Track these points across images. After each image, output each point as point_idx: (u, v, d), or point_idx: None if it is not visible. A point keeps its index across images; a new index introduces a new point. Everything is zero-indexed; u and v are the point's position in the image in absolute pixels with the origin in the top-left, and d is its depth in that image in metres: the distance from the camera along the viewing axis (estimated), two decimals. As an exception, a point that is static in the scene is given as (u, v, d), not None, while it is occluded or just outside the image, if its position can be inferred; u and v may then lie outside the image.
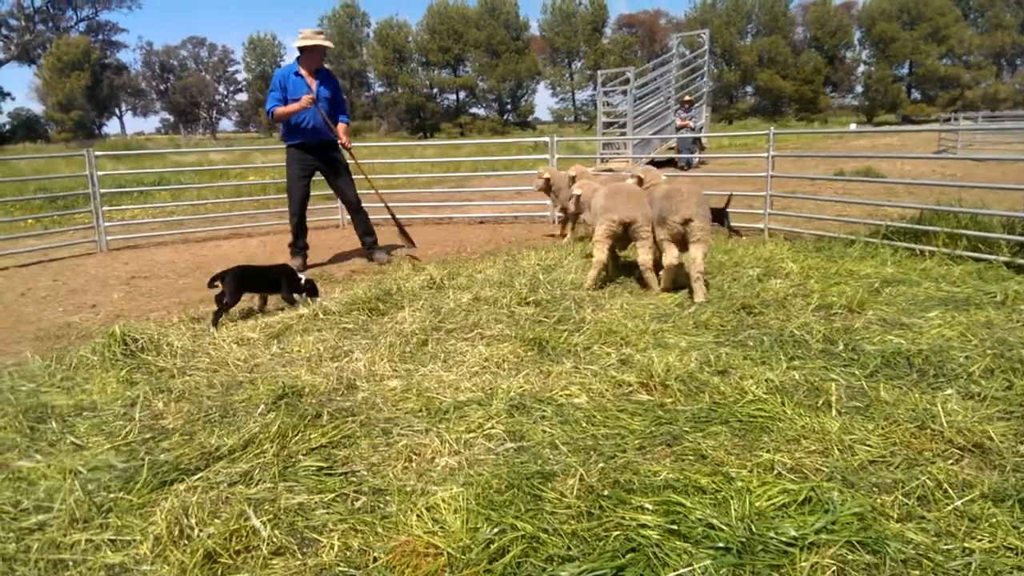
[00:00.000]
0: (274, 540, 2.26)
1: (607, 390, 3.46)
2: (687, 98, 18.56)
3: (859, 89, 61.70)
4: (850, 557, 2.06)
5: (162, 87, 73.08)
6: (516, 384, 3.55)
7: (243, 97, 72.83)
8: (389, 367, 3.92)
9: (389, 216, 7.60)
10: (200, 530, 2.30)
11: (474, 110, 67.48)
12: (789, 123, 53.95)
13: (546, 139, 9.94)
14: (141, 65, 72.46)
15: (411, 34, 65.10)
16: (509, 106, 67.06)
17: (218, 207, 11.19)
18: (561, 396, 3.41)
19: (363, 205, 7.40)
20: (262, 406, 3.32)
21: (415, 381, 3.69)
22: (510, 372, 3.77)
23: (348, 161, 7.38)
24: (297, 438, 2.98)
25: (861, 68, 61.66)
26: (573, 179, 7.35)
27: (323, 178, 7.34)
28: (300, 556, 2.21)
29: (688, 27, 56.21)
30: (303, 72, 6.85)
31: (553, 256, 6.78)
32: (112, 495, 2.56)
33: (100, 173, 8.61)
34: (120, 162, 21.75)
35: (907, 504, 2.35)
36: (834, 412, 3.11)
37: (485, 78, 64.70)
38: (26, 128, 60.52)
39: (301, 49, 6.81)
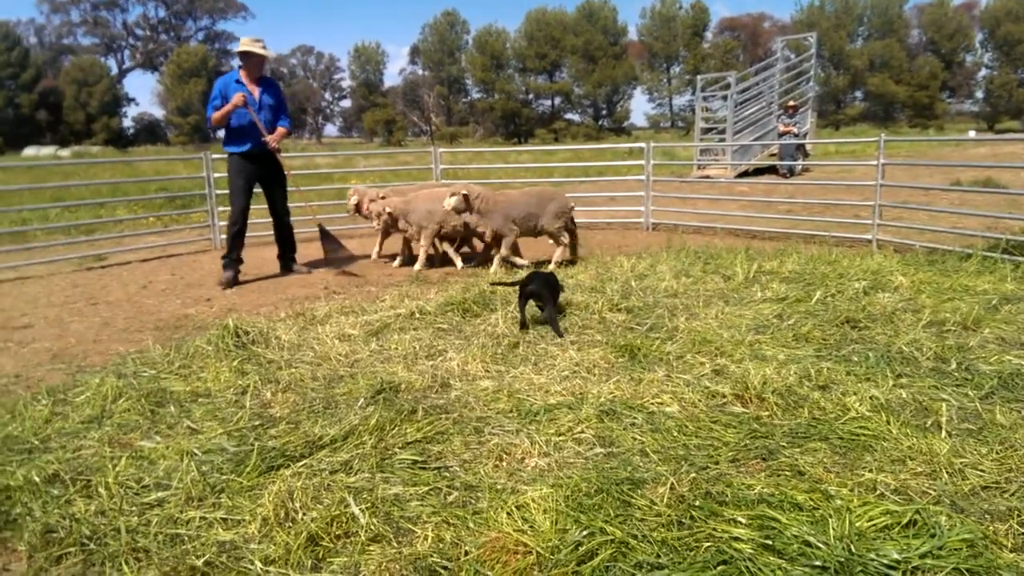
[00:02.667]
0: (372, 528, 2.36)
1: (700, 400, 3.41)
2: (791, 103, 17.93)
3: (979, 95, 57.77)
4: (960, 586, 1.95)
5: (272, 94, 76.95)
6: (606, 390, 3.54)
7: (347, 104, 75.78)
8: (481, 367, 3.99)
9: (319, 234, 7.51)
10: (304, 514, 2.43)
11: (569, 116, 67.51)
12: (902, 130, 51.12)
13: (642, 145, 9.86)
14: (254, 73, 76.56)
15: (509, 40, 65.86)
16: (604, 111, 66.70)
17: (321, 209, 11.67)
18: (652, 404, 3.38)
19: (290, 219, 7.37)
20: (362, 400, 3.47)
21: (506, 382, 3.75)
22: (600, 378, 3.77)
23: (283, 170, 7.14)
24: (394, 432, 3.09)
25: (982, 72, 57.75)
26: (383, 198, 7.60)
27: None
28: (396, 544, 2.30)
29: (794, 30, 54.21)
30: (244, 80, 6.75)
31: (646, 264, 6.71)
32: (224, 477, 2.74)
33: (216, 175, 9.17)
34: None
35: (1023, 533, 2.20)
36: (944, 433, 2.94)
37: (581, 84, 64.64)
38: (148, 131, 65.18)
39: (241, 56, 6.79)
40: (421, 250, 7.34)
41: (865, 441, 2.86)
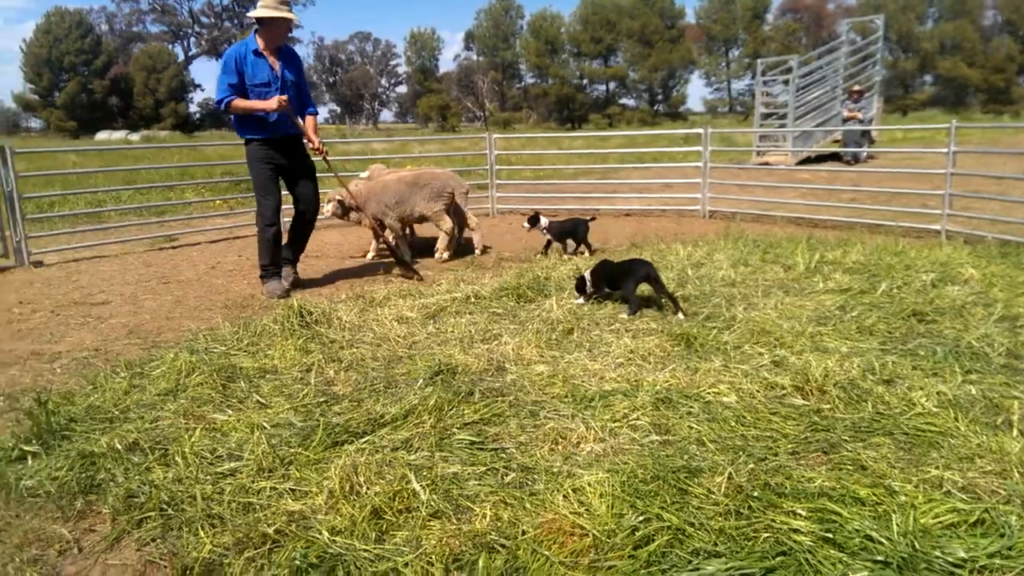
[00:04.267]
0: (432, 504, 2.43)
1: (758, 391, 3.37)
2: (856, 88, 17.33)
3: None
4: (1030, 587, 1.91)
5: (331, 79, 78.25)
6: (662, 378, 3.54)
7: (403, 89, 76.61)
8: (536, 352, 4.03)
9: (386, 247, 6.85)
10: (368, 488, 2.52)
11: (624, 100, 66.71)
12: (974, 116, 48.84)
13: (699, 131, 9.70)
14: (313, 59, 78.13)
15: (564, 25, 65.31)
16: (660, 96, 65.68)
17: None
18: (709, 393, 3.36)
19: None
20: (421, 380, 3.55)
21: (561, 367, 3.78)
22: (656, 366, 3.76)
23: (316, 161, 6.22)
24: (452, 412, 3.16)
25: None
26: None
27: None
28: (455, 521, 2.36)
29: (859, 12, 52.19)
30: (263, 50, 5.58)
31: (702, 252, 6.63)
32: (292, 450, 2.85)
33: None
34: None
35: (1101, 539, 2.13)
36: (1016, 432, 2.85)
37: (636, 68, 63.73)
38: (213, 117, 67.09)
39: (261, 21, 5.51)
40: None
41: (931, 437, 2.80)
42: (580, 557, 2.15)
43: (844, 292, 5.10)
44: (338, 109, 79.25)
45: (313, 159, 6.17)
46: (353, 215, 7.09)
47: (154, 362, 4.08)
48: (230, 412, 3.30)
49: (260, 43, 5.57)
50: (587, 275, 5.07)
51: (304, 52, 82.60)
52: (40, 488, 2.70)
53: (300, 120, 5.79)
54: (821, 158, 16.61)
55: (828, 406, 3.18)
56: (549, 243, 7.21)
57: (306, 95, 5.99)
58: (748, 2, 62.05)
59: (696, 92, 77.10)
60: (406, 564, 2.14)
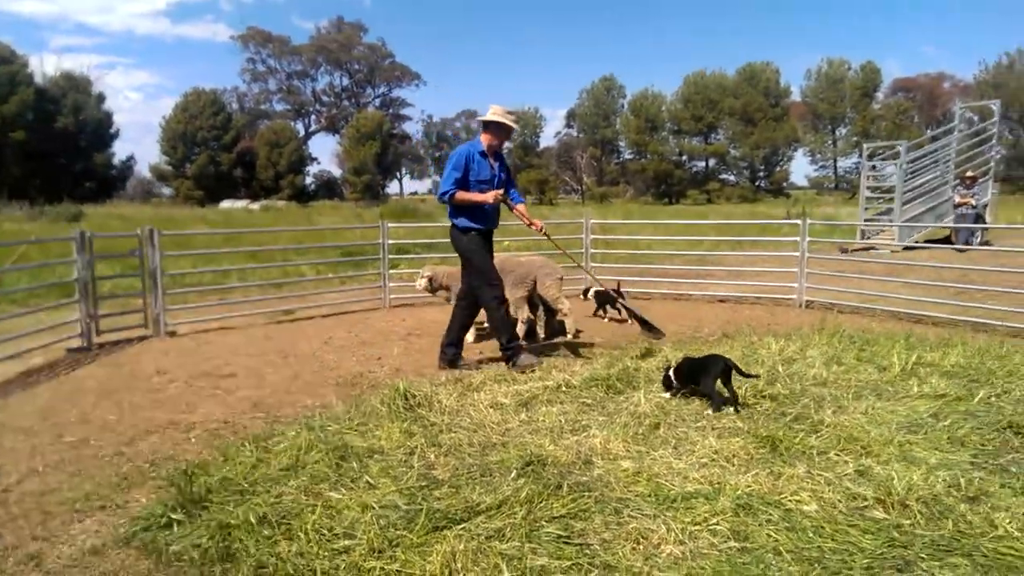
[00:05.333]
0: (521, 594, 2.70)
1: (839, 501, 3.47)
2: (969, 174, 16.82)
3: None
4: None
5: (436, 154, 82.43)
6: (744, 482, 3.68)
7: (505, 161, 79.81)
8: (623, 447, 4.25)
9: (627, 311, 7.45)
10: (464, 572, 2.81)
11: (724, 175, 66.38)
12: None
13: (797, 221, 9.76)
14: (422, 135, 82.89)
15: (664, 104, 66.36)
16: (762, 172, 65.01)
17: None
18: (790, 501, 3.48)
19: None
20: (514, 472, 3.84)
21: (646, 464, 3.98)
22: (739, 468, 3.90)
23: (540, 236, 6.79)
24: (541, 505, 3.43)
25: None
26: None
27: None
28: (541, 612, 2.61)
29: (977, 91, 50.56)
30: (487, 151, 6.35)
31: (795, 347, 6.67)
32: (398, 532, 3.19)
33: (390, 241, 10.16)
34: (399, 221, 25.05)
35: None
36: (1107, 565, 2.83)
37: (738, 145, 63.59)
38: (326, 188, 71.82)
39: (487, 125, 6.32)
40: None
41: (1010, 562, 2.83)
42: (654, 656, 2.35)
43: (940, 398, 5.05)
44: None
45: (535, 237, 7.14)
46: (441, 293, 8.01)
47: (276, 437, 4.58)
48: (343, 491, 3.70)
49: (484, 144, 6.35)
50: (671, 371, 5.28)
51: (413, 128, 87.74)
52: (185, 554, 3.15)
53: (514, 207, 6.54)
54: (936, 242, 16.09)
55: (908, 521, 3.24)
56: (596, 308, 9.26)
57: (513, 186, 6.73)
58: (857, 82, 61.22)
59: (800, 169, 75.99)
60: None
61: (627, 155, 69.56)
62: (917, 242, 15.19)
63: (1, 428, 5.06)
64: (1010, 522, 3.13)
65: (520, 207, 6.55)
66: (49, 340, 7.37)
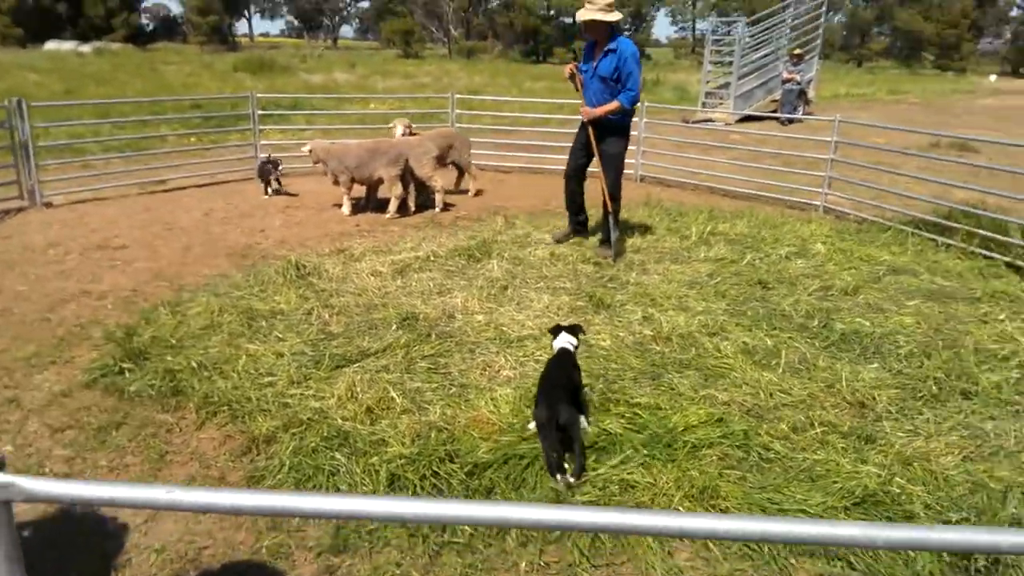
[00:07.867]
0: (403, 405, 3.93)
1: (627, 337, 4.92)
2: (796, 51, 18.67)
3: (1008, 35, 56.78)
4: (728, 452, 3.51)
5: (291, -8, 76.23)
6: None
7: (364, 4, 75.08)
8: (478, 304, 5.48)
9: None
10: (362, 394, 4.00)
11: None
12: (925, 69, 50.72)
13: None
14: (273, -29, 75.79)
15: (533, -47, 64.17)
16: (628, 29, 65.70)
17: (347, 134, 12.81)
18: (594, 339, 4.89)
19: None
20: (394, 325, 5.00)
21: (494, 317, 5.25)
22: (562, 318, 5.25)
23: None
24: (416, 348, 4.64)
25: (1014, 12, 56.53)
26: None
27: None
28: (417, 415, 3.87)
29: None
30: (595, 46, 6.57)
31: (636, 217, 8.06)
32: (309, 370, 4.30)
33: (260, 111, 10.44)
34: (257, 79, 24.03)
35: (784, 430, 3.74)
36: (780, 371, 4.45)
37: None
38: (165, 28, 64.96)
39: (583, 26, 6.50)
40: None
41: (722, 372, 4.39)
42: (490, 435, 3.68)
43: (718, 261, 6.64)
44: (296, 23, 77.39)
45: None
46: (319, 166, 8.62)
47: (187, 303, 5.43)
48: (258, 343, 4.71)
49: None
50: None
51: (263, -34, 79.67)
52: (143, 392, 4.11)
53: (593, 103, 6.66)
54: (761, 119, 18.02)
55: (668, 349, 4.74)
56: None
57: (621, 84, 6.50)
58: (718, -60, 61.92)
59: (663, 30, 77.19)
60: (388, 437, 3.65)
61: (495, 4, 67.68)
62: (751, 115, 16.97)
63: (-85, 301, 5.53)
64: (730, 348, 4.70)
65: (597, 109, 6.55)
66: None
